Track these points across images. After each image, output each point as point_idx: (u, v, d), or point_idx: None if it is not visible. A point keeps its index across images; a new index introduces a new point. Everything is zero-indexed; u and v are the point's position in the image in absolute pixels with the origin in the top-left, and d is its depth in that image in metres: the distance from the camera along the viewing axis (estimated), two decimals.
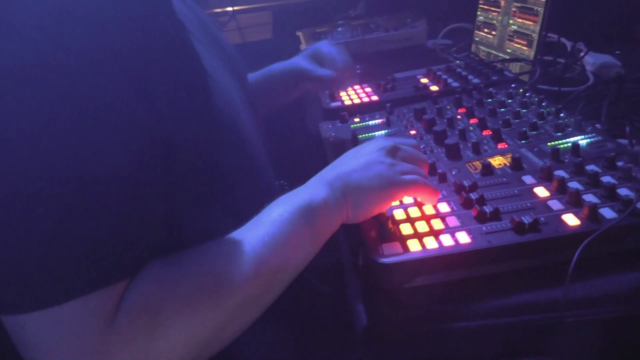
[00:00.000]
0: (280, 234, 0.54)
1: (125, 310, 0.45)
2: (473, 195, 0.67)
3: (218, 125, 0.60)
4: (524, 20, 1.34)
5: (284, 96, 1.04)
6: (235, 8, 2.55)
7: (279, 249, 0.53)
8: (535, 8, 1.29)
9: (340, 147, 0.93)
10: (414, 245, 0.61)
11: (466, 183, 0.70)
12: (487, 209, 0.64)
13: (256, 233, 0.54)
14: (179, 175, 0.54)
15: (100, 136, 0.45)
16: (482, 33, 1.57)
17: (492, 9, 1.51)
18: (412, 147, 0.70)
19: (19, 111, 0.41)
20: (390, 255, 0.60)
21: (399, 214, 0.67)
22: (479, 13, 1.59)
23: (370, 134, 0.98)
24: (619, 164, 0.71)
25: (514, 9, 1.39)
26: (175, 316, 0.46)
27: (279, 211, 0.57)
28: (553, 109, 0.91)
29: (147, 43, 0.50)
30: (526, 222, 0.60)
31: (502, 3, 1.45)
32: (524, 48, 1.33)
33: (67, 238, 0.42)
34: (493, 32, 1.51)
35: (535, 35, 1.29)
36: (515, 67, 1.37)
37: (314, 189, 0.60)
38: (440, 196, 0.68)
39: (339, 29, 1.93)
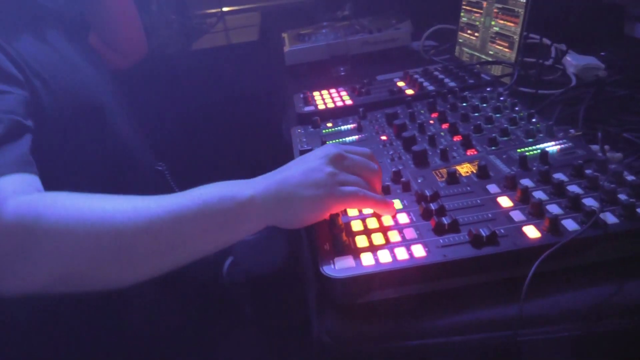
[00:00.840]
0: (189, 209, 0.55)
1: (17, 204, 0.51)
2: (433, 206, 0.64)
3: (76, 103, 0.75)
4: (505, 22, 1.31)
5: None
6: (225, 9, 2.54)
7: (180, 220, 0.55)
8: (516, 9, 1.26)
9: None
10: (367, 259, 0.58)
11: (428, 192, 0.68)
12: (446, 220, 0.61)
13: (166, 200, 0.57)
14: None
15: None
16: (465, 34, 1.54)
17: (475, 10, 1.48)
18: (364, 155, 0.67)
19: None
20: (342, 269, 0.57)
21: (356, 225, 0.65)
22: (462, 14, 1.56)
23: (341, 140, 0.95)
24: (588, 172, 0.69)
25: (495, 10, 1.36)
26: (54, 228, 0.52)
27: (201, 191, 0.58)
28: (526, 113, 0.89)
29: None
30: (484, 234, 0.58)
31: (484, 4, 1.43)
32: (506, 50, 1.30)
33: None
34: (476, 34, 1.48)
35: (516, 37, 1.26)
36: (497, 70, 1.34)
37: (247, 186, 0.59)
38: (393, 208, 0.65)
39: (323, 30, 1.90)
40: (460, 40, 1.57)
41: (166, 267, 0.58)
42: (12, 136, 0.59)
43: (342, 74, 1.76)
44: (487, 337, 0.54)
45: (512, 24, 1.28)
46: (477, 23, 1.47)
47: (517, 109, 0.92)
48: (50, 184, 0.60)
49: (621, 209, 0.59)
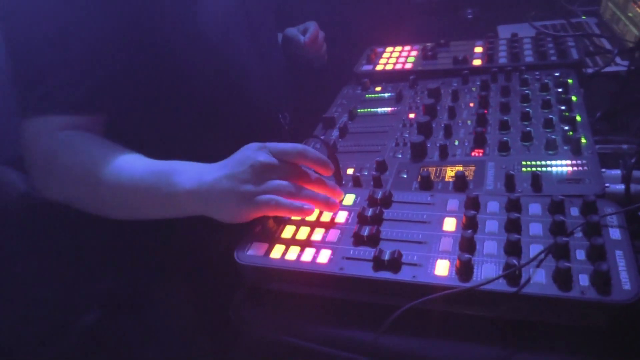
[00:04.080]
0: (145, 183, 0.66)
1: (49, 139, 0.69)
2: (368, 212, 0.62)
3: (197, 40, 0.81)
4: None
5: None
6: None
7: (135, 192, 0.67)
8: None
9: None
10: (277, 252, 0.61)
11: (378, 195, 0.65)
12: (364, 231, 0.59)
13: (139, 169, 0.68)
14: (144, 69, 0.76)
15: (80, 19, 0.70)
16: None
17: None
18: (298, 154, 0.65)
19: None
20: (251, 256, 0.61)
21: None
22: None
23: (373, 110, 0.92)
24: (573, 211, 0.58)
25: None
26: (63, 165, 0.69)
27: (161, 169, 0.67)
28: (576, 116, 0.74)
29: None
30: (385, 258, 0.55)
31: None
32: None
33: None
34: None
35: None
36: (632, 36, 1.09)
37: (192, 179, 0.64)
38: (309, 212, 0.63)
39: None
40: None
41: (131, 217, 0.72)
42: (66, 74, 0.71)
43: (470, 16, 1.60)
44: (349, 357, 0.54)
45: None
46: None
47: (563, 108, 0.77)
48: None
49: (554, 271, 0.51)
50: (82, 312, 0.86)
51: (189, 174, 0.65)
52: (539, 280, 0.51)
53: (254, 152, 0.65)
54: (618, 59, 1.05)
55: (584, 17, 1.35)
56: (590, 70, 0.96)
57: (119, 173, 0.68)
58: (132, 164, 0.69)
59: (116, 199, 0.69)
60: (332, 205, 0.65)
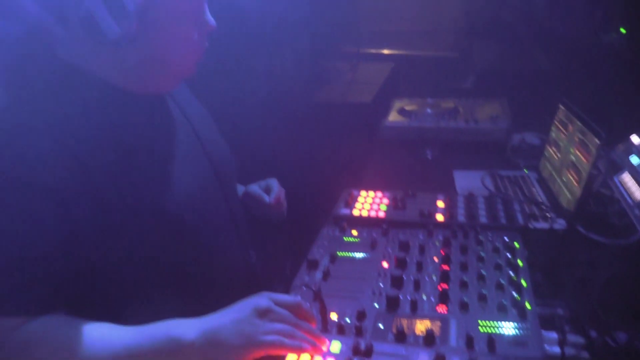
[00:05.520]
0: (142, 348, 0.69)
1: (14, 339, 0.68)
2: None
3: (162, 221, 0.81)
4: (580, 154, 1.27)
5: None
6: (361, 50, 2.68)
7: (132, 357, 0.69)
8: (590, 146, 1.22)
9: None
10: None
11: (361, 346, 0.76)
12: None
13: (128, 335, 0.71)
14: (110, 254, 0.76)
15: (42, 214, 0.70)
16: (550, 150, 1.50)
17: (562, 130, 1.44)
18: (292, 306, 0.78)
19: None
20: None
21: (290, 357, 0.76)
22: (552, 128, 1.52)
23: (351, 254, 1.06)
24: None
25: (576, 139, 1.32)
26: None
27: (155, 329, 0.72)
28: (521, 281, 0.90)
29: (103, 143, 0.76)
30: None
31: (570, 128, 1.38)
32: (574, 183, 1.27)
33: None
34: (558, 154, 1.44)
35: (584, 174, 1.22)
36: (565, 199, 1.30)
37: (192, 328, 0.72)
38: (316, 350, 0.75)
39: (428, 109, 1.97)
40: (546, 154, 1.53)
41: None
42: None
43: (429, 157, 1.82)
44: None
45: (584, 160, 1.24)
46: (561, 144, 1.42)
47: (511, 273, 0.93)
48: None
49: None
50: None
51: (187, 324, 0.73)
52: None
53: (257, 299, 0.76)
54: (553, 215, 1.26)
55: (525, 171, 1.59)
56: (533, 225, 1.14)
57: (111, 347, 0.70)
58: (119, 334, 0.72)
59: None
60: (319, 350, 0.76)
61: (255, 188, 1.16)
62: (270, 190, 1.15)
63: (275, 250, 1.18)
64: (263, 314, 0.73)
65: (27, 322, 0.70)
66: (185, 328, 0.72)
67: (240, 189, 1.19)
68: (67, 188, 0.72)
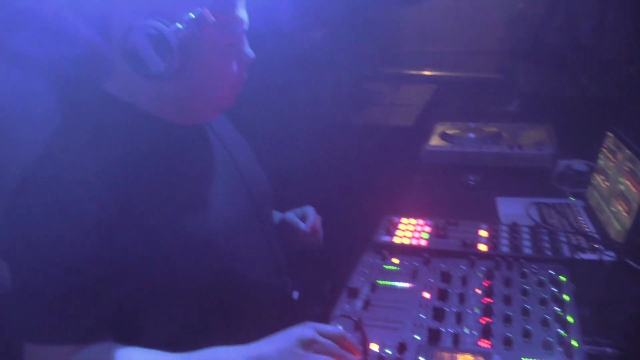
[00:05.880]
0: None
1: None
2: None
3: (199, 248, 0.83)
4: (630, 184, 1.23)
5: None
6: (403, 72, 2.69)
7: None
8: None
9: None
10: None
11: None
12: None
13: None
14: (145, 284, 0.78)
15: (90, 243, 0.73)
16: (598, 178, 1.46)
17: (611, 158, 1.40)
18: (336, 338, 0.78)
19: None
20: None
21: None
22: (600, 156, 1.48)
23: (392, 283, 1.06)
24: None
25: (625, 168, 1.28)
26: None
27: (203, 356, 0.74)
28: (567, 317, 0.88)
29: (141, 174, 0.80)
30: None
31: (619, 156, 1.35)
32: (624, 214, 1.23)
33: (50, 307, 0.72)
34: (606, 183, 1.40)
35: (635, 205, 1.18)
36: (613, 230, 1.26)
37: (238, 355, 0.74)
38: None
39: (470, 134, 1.95)
40: (593, 182, 1.49)
41: None
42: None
43: (471, 183, 1.80)
44: None
45: (634, 190, 1.20)
46: (609, 172, 1.39)
47: (557, 309, 0.91)
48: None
49: None
50: None
51: (234, 351, 0.75)
52: None
53: (301, 329, 0.77)
54: (602, 247, 1.22)
55: (572, 199, 1.55)
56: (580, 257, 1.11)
57: None
58: None
59: None
60: None
61: (291, 215, 1.18)
62: (306, 218, 1.17)
63: (312, 277, 1.19)
64: (307, 344, 0.74)
65: (79, 350, 0.73)
66: (231, 355, 0.74)
67: (277, 215, 1.21)
68: (112, 217, 0.75)
